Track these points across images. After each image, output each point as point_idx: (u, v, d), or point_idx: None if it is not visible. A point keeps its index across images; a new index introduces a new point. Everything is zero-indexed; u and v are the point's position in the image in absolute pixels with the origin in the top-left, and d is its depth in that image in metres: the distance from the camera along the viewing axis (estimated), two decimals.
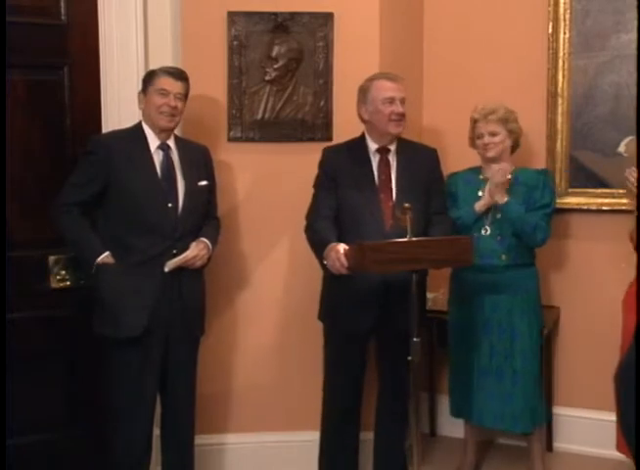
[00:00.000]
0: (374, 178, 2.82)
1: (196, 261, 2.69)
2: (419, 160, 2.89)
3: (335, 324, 2.88)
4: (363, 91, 2.84)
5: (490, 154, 2.97)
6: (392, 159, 2.85)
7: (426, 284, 2.99)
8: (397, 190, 2.81)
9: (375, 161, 2.84)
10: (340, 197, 2.82)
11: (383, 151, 2.85)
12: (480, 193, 3.01)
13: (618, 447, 2.94)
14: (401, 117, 2.79)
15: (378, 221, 2.77)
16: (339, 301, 2.83)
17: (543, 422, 3.13)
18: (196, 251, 2.68)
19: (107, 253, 2.62)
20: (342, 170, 2.84)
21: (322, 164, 2.89)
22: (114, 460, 2.75)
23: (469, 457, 3.22)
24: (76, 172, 2.69)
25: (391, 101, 2.78)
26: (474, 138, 3.02)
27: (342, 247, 2.60)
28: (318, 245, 2.74)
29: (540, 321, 3.07)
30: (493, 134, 2.96)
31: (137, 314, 2.62)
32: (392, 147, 2.85)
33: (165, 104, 2.65)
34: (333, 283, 2.83)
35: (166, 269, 2.64)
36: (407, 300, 2.66)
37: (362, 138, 2.89)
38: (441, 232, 2.78)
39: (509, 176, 2.96)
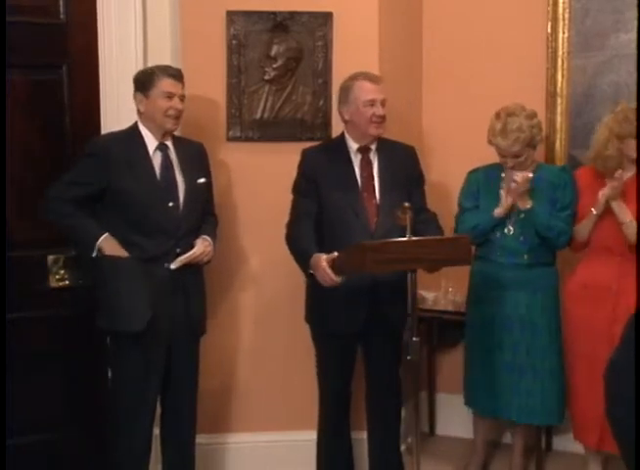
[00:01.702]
0: (356, 178, 2.82)
1: (202, 258, 2.70)
2: (399, 158, 2.88)
3: (323, 325, 2.87)
4: (345, 91, 2.84)
5: (514, 169, 2.93)
6: (373, 158, 2.85)
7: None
8: (380, 189, 2.81)
9: (356, 160, 2.84)
10: (322, 198, 2.81)
11: (364, 150, 2.84)
12: (501, 192, 2.98)
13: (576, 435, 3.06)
14: (382, 119, 2.78)
15: (363, 221, 2.77)
16: (326, 301, 2.82)
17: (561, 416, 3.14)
18: (202, 247, 2.69)
19: (106, 234, 2.61)
20: (323, 171, 2.82)
21: (301, 166, 2.87)
22: (115, 460, 2.75)
23: (478, 457, 3.24)
24: (73, 171, 2.69)
25: (373, 103, 2.76)
26: (498, 155, 2.96)
27: (323, 260, 2.60)
28: (299, 256, 2.76)
29: (560, 319, 3.07)
30: (517, 156, 2.94)
31: (141, 309, 2.62)
32: (373, 146, 2.85)
33: (172, 107, 2.65)
34: (319, 284, 2.82)
35: (173, 267, 2.64)
36: (397, 299, 2.67)
37: (342, 138, 2.88)
38: (433, 229, 2.78)
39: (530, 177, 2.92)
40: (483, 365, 3.05)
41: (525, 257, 2.97)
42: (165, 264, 2.64)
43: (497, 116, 2.95)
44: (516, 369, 2.99)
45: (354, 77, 2.82)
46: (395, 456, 3.02)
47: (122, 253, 2.62)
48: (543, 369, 2.98)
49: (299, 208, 2.83)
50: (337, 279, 2.59)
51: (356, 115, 2.79)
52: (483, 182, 3.06)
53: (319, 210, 2.82)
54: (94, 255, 2.62)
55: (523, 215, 2.96)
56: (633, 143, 2.79)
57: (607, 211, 2.88)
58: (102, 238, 2.61)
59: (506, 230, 2.99)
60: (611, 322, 2.80)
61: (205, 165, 2.84)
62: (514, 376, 2.99)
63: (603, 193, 2.84)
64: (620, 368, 1.19)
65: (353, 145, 2.84)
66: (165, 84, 2.65)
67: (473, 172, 3.10)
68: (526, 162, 2.97)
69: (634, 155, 2.81)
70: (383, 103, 2.78)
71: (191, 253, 2.67)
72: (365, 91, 2.78)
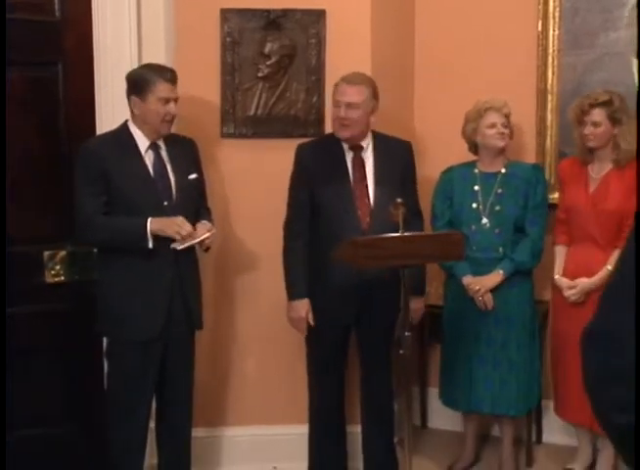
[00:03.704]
0: (349, 176, 2.84)
1: (206, 241, 2.69)
2: (394, 155, 2.89)
3: (315, 318, 2.90)
4: (324, 90, 2.93)
5: (501, 144, 3.00)
6: (368, 155, 2.86)
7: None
8: (374, 188, 2.83)
9: (349, 158, 2.86)
10: (315, 195, 2.84)
11: (356, 148, 2.86)
12: (475, 187, 3.04)
13: (559, 412, 3.16)
14: (343, 121, 2.77)
15: (354, 220, 2.80)
16: (318, 294, 2.88)
17: (534, 406, 3.23)
18: (205, 230, 2.67)
19: (149, 219, 2.57)
20: (317, 167, 2.86)
21: (297, 162, 2.90)
22: (112, 453, 2.77)
23: (468, 452, 3.28)
24: (80, 186, 2.65)
25: (338, 105, 2.79)
26: (482, 127, 3.00)
27: (304, 310, 2.84)
28: (288, 283, 2.91)
29: (535, 311, 3.14)
30: (505, 126, 3.00)
31: (151, 318, 2.66)
32: (365, 143, 2.86)
33: (168, 112, 2.64)
34: (311, 279, 2.89)
35: (179, 247, 2.62)
36: (389, 293, 2.72)
37: None
38: None
39: None
40: (458, 360, 3.09)
41: (501, 250, 3.00)
42: (171, 245, 2.62)
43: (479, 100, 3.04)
44: (490, 361, 3.03)
45: (340, 78, 2.85)
46: (389, 450, 3.05)
47: (171, 224, 2.57)
48: (518, 360, 3.03)
49: (297, 210, 2.88)
50: (305, 333, 2.89)
51: (332, 114, 2.86)
52: (458, 180, 3.09)
53: (312, 206, 2.85)
54: (150, 245, 2.58)
55: (498, 208, 3.01)
56: (583, 129, 2.91)
57: (591, 205, 2.94)
58: (149, 225, 2.56)
59: (482, 222, 3.03)
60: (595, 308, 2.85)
61: (197, 161, 2.85)
62: (488, 368, 3.03)
63: (567, 293, 2.97)
64: (599, 336, 1.04)
65: (345, 143, 2.87)
66: (163, 89, 2.62)
67: (446, 172, 3.14)
68: (509, 138, 3.01)
69: (587, 143, 2.92)
70: (349, 105, 2.76)
71: (199, 235, 2.64)
72: (336, 92, 2.81)
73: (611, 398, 0.99)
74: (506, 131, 3.00)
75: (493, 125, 2.98)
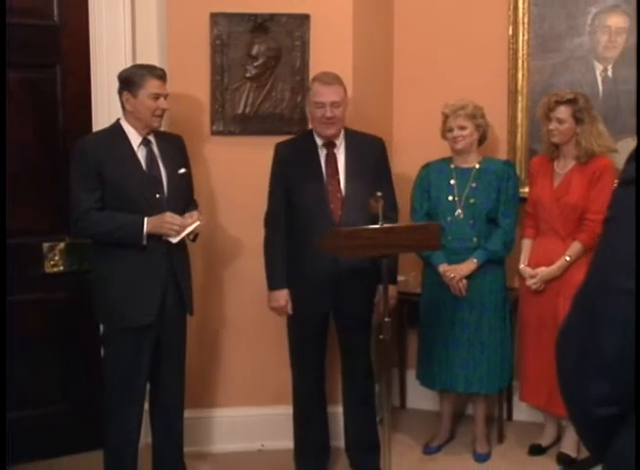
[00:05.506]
0: (322, 172, 2.95)
1: (197, 228, 2.79)
2: (365, 150, 2.99)
3: (293, 307, 3.02)
4: (308, 90, 3.01)
5: (459, 146, 3.18)
6: (340, 152, 2.97)
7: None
8: (345, 182, 2.94)
9: (322, 154, 2.97)
10: (290, 190, 2.95)
11: (329, 145, 2.97)
12: (452, 181, 3.22)
13: (523, 397, 3.35)
14: (330, 120, 2.88)
15: (327, 213, 2.90)
16: (294, 286, 3.00)
17: (505, 386, 3.40)
18: (192, 219, 2.77)
19: (145, 219, 2.68)
20: (292, 164, 2.97)
21: (275, 159, 3.01)
22: (109, 435, 2.84)
23: (443, 429, 3.44)
24: (75, 182, 2.72)
25: (322, 105, 2.90)
26: (445, 131, 3.22)
27: (283, 299, 2.95)
28: (268, 274, 3.01)
29: (507, 298, 3.31)
30: (462, 128, 3.16)
31: (145, 306, 2.74)
32: (338, 141, 2.97)
33: (159, 107, 2.76)
34: (289, 270, 3.01)
35: (174, 241, 2.73)
36: (366, 283, 2.85)
37: (310, 132, 3.01)
38: None
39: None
40: (435, 342, 3.25)
41: (474, 240, 3.18)
42: (168, 239, 2.73)
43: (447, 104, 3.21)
44: (465, 344, 3.19)
45: (313, 79, 2.98)
46: (371, 430, 3.13)
47: (163, 223, 2.68)
48: (490, 343, 3.20)
49: (275, 205, 3.00)
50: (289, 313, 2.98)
51: (310, 114, 2.98)
52: (434, 175, 3.26)
53: (288, 200, 2.97)
54: (145, 243, 2.69)
55: (472, 200, 3.18)
56: (549, 125, 3.10)
57: (555, 198, 3.14)
58: (145, 224, 2.68)
59: (456, 213, 3.21)
60: (556, 295, 3.07)
61: (185, 157, 2.95)
62: (462, 350, 3.20)
63: (529, 282, 3.16)
64: (573, 335, 1.05)
65: (318, 140, 2.98)
66: (153, 85, 2.74)
67: (424, 167, 3.31)
68: (471, 137, 3.17)
69: (551, 138, 3.12)
70: (333, 105, 2.88)
71: (188, 224, 2.75)
72: (316, 94, 2.92)
73: (591, 393, 1.02)
74: (462, 133, 3.16)
75: (450, 130, 3.18)
